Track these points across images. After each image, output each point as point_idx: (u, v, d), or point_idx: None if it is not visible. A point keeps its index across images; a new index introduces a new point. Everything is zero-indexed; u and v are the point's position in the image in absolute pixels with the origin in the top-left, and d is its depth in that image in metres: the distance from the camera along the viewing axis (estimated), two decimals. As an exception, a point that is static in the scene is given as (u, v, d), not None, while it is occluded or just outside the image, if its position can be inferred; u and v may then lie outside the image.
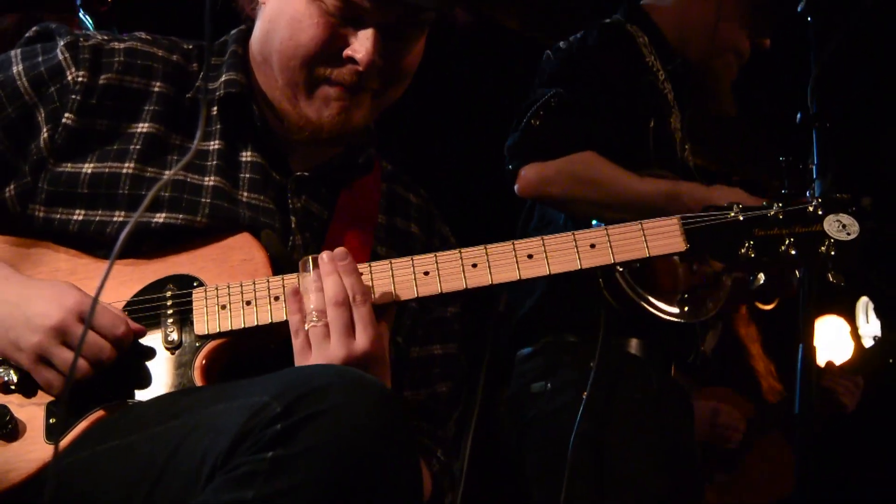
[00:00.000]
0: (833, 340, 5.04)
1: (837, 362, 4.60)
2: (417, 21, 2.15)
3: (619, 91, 3.33)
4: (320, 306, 1.94)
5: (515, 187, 3.23)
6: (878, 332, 4.73)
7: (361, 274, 2.00)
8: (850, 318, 5.02)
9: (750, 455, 4.67)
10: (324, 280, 1.96)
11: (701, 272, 3.18)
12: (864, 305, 4.86)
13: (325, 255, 1.98)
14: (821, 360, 4.44)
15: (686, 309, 3.24)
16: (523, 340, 3.45)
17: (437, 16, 2.17)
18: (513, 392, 3.46)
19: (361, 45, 2.08)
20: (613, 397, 3.21)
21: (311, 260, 1.99)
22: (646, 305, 3.17)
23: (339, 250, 1.99)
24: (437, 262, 2.02)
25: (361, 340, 1.93)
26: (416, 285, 2.02)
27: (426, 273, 2.02)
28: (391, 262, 2.03)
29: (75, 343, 1.89)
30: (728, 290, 3.25)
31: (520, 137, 3.25)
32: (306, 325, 1.95)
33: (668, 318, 3.20)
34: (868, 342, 4.81)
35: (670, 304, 3.21)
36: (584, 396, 3.14)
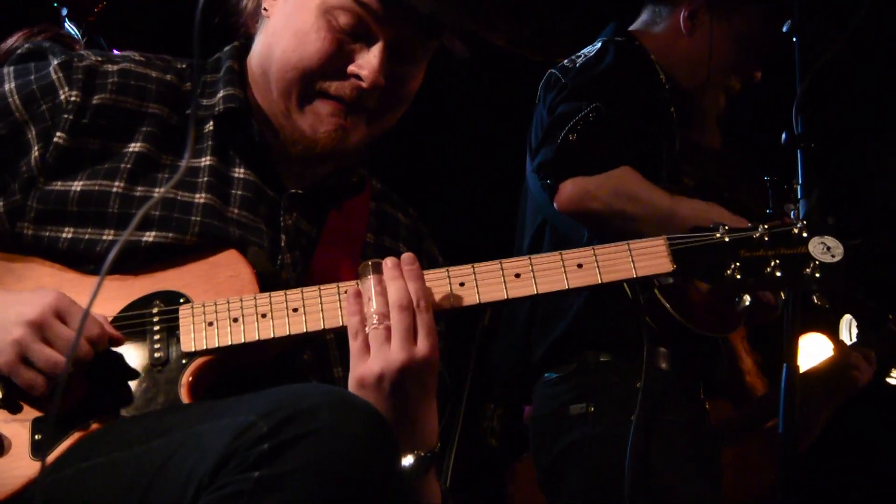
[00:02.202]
0: (816, 358, 5.04)
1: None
2: (425, 43, 2.16)
3: (644, 107, 3.36)
4: (382, 309, 1.94)
5: (555, 203, 3.21)
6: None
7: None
8: (834, 335, 5.02)
9: (729, 453, 4.66)
10: (388, 284, 1.95)
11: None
12: (847, 323, 4.87)
13: (389, 261, 1.98)
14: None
15: (720, 323, 3.25)
16: (555, 361, 3.41)
17: (437, 46, 2.18)
18: (543, 413, 3.42)
19: (368, 62, 2.09)
20: (655, 419, 3.18)
21: (370, 265, 1.99)
22: (685, 322, 3.18)
23: (407, 255, 1.99)
24: None
25: (423, 346, 1.92)
26: None
27: None
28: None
29: (54, 340, 1.88)
30: (749, 305, 3.27)
31: (556, 152, 3.23)
32: (367, 328, 1.94)
33: (706, 333, 3.20)
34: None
35: (706, 318, 3.22)
36: (633, 419, 3.10)
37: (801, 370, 3.46)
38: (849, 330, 4.87)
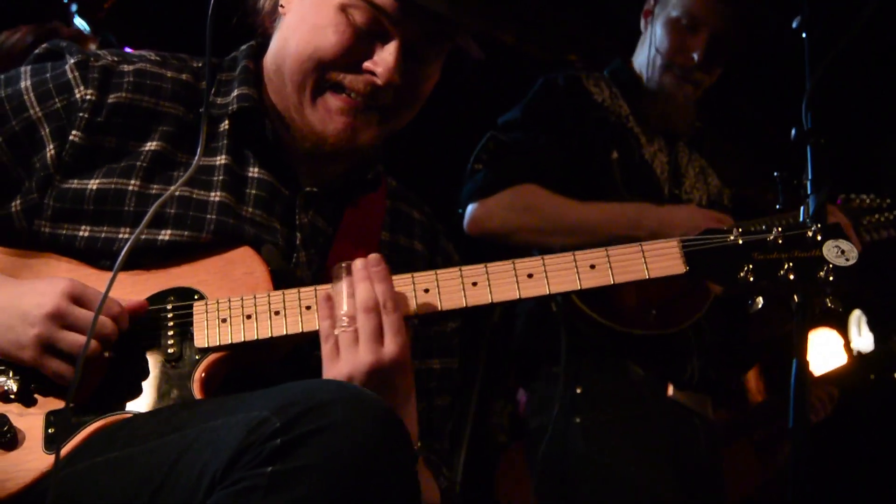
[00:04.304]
0: (825, 353, 5.05)
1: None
2: (439, 43, 2.16)
3: (560, 129, 3.47)
4: (351, 312, 1.95)
5: (465, 228, 3.38)
6: (871, 345, 4.75)
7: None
8: (843, 331, 5.03)
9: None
10: (356, 286, 1.96)
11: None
12: (856, 319, 4.88)
13: (358, 262, 1.98)
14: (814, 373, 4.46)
15: (658, 321, 3.27)
16: (525, 381, 3.55)
17: (453, 48, 2.18)
18: (526, 430, 3.53)
19: (384, 59, 2.09)
20: (612, 419, 3.26)
21: (344, 267, 2.00)
22: (612, 324, 3.24)
23: (373, 256, 1.99)
24: (437, 280, 2.03)
25: (390, 347, 1.93)
26: (416, 302, 2.02)
27: (426, 290, 2.02)
28: (391, 279, 2.03)
29: (75, 324, 1.90)
30: (712, 294, 3.29)
31: (465, 184, 3.42)
32: (336, 331, 1.95)
33: (644, 332, 3.25)
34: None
35: (642, 317, 3.25)
36: (578, 421, 3.23)
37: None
38: (858, 325, 4.88)
